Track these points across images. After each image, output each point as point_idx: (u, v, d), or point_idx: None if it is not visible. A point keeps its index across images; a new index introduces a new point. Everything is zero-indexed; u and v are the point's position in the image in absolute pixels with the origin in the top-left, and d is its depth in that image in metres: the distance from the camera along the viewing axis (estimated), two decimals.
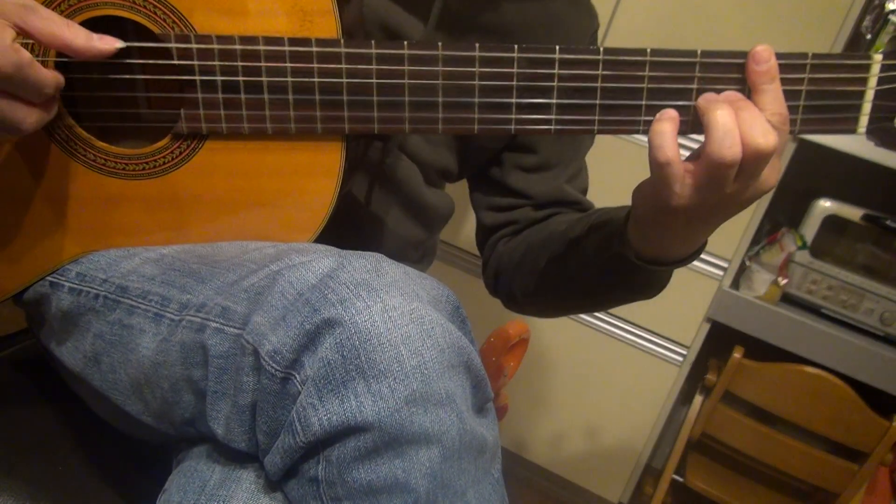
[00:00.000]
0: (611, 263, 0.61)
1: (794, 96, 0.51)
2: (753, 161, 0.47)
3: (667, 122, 0.49)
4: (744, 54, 0.50)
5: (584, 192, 0.78)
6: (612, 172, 1.32)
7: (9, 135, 0.47)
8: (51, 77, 0.46)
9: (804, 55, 0.51)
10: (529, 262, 0.72)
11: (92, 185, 0.55)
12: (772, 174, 0.51)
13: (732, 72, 0.51)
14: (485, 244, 0.80)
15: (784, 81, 0.51)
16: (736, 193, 0.49)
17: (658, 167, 0.49)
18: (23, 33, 0.45)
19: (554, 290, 0.71)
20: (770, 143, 0.47)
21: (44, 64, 0.48)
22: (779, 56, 0.50)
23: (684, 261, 0.58)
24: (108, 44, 0.48)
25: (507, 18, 0.68)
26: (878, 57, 0.51)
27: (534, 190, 0.74)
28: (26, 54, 0.44)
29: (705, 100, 0.50)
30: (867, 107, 0.52)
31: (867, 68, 0.51)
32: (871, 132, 0.53)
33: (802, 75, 0.51)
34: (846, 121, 0.52)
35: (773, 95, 0.49)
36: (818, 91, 0.51)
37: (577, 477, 1.57)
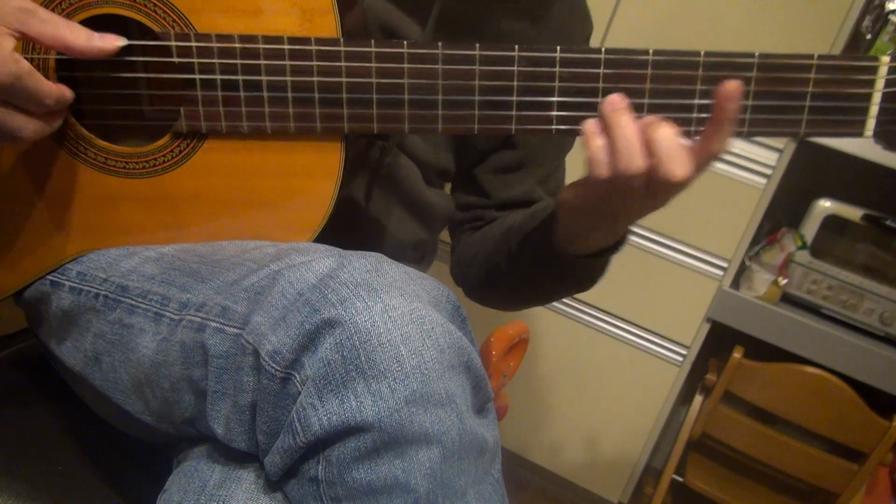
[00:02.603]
0: (542, 255, 0.62)
1: (799, 97, 0.51)
2: (668, 188, 0.48)
3: (598, 139, 0.49)
4: (749, 55, 0.50)
5: (557, 192, 0.79)
6: None
7: (6, 143, 0.46)
8: (53, 89, 0.45)
9: (810, 56, 0.50)
10: (482, 254, 0.73)
11: (92, 183, 0.55)
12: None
13: (736, 72, 0.50)
14: (453, 234, 0.82)
15: (789, 82, 0.50)
16: (653, 203, 0.51)
17: (598, 183, 0.49)
18: (23, 37, 0.45)
19: (501, 282, 0.72)
20: (686, 175, 0.48)
21: (44, 64, 0.47)
22: (784, 57, 0.50)
23: (607, 252, 0.60)
24: (110, 42, 0.48)
25: (504, 22, 0.67)
26: (885, 59, 0.50)
27: (502, 193, 0.75)
28: (25, 64, 0.44)
29: (611, 107, 0.49)
30: (874, 109, 0.51)
31: (874, 70, 0.50)
32: (879, 136, 0.52)
33: (808, 76, 0.50)
34: (852, 124, 0.52)
35: (726, 132, 0.48)
36: (823, 93, 0.51)
37: (577, 477, 1.56)
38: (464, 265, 0.77)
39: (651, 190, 0.49)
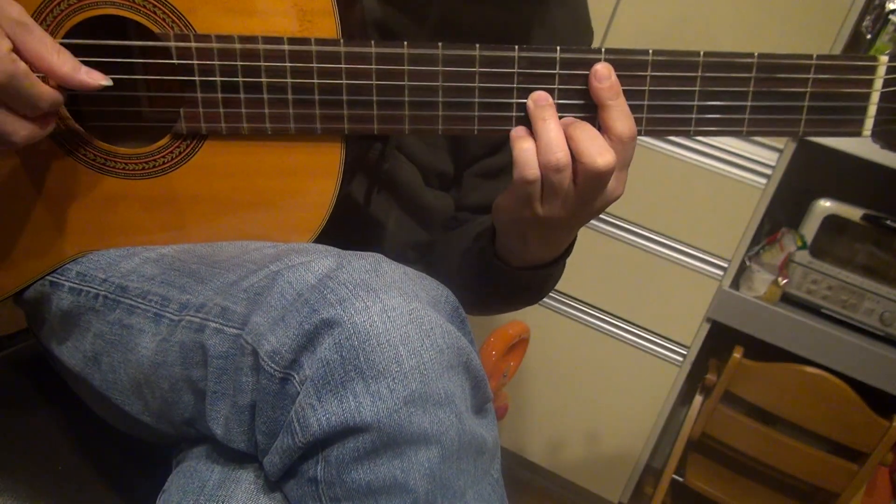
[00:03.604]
0: (486, 267, 0.63)
1: (798, 97, 0.51)
2: (595, 178, 0.49)
3: (528, 140, 0.51)
4: (748, 55, 0.50)
5: None
6: None
7: None
8: (47, 92, 0.45)
9: (808, 56, 0.50)
10: (442, 256, 0.74)
11: (92, 184, 0.55)
12: (618, 186, 0.52)
13: (735, 72, 0.51)
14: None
15: (788, 82, 0.51)
16: (584, 201, 0.51)
17: (525, 184, 0.51)
18: (12, 49, 0.45)
19: (454, 287, 0.73)
20: (608, 162, 0.49)
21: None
22: (783, 57, 0.50)
23: (551, 265, 0.61)
24: (95, 79, 0.47)
25: (504, 27, 0.67)
26: (884, 59, 0.50)
27: (475, 198, 0.75)
28: (22, 65, 0.43)
29: (535, 104, 0.51)
30: (872, 109, 0.51)
31: (873, 70, 0.51)
32: (877, 135, 0.52)
33: (807, 76, 0.51)
34: (851, 123, 0.52)
35: (619, 111, 0.50)
36: (822, 93, 0.51)
37: (577, 477, 1.57)
38: (432, 262, 0.78)
39: (579, 188, 0.50)
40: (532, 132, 0.51)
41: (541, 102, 0.51)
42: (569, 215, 0.52)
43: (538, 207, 0.52)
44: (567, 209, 0.52)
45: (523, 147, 0.50)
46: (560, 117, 0.51)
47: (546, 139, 0.50)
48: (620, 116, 0.50)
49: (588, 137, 0.49)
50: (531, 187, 0.51)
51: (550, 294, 1.48)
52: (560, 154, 0.49)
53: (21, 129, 0.45)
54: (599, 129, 0.51)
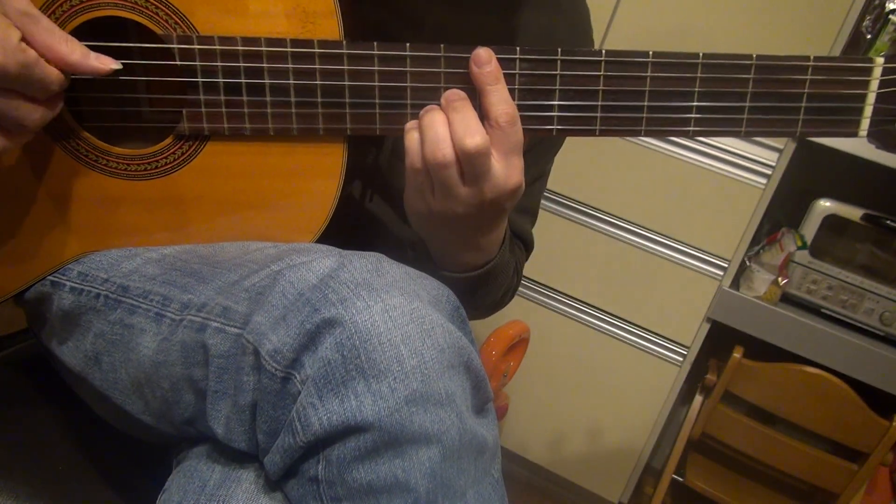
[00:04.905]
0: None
1: (796, 98, 0.51)
2: (467, 161, 0.49)
3: (414, 132, 0.52)
4: (747, 57, 0.51)
5: (529, 210, 0.78)
6: (612, 172, 1.32)
7: (13, 134, 0.47)
8: (55, 74, 0.46)
9: (806, 57, 0.51)
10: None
11: (94, 185, 0.55)
12: (512, 173, 0.52)
13: (734, 74, 0.51)
14: None
15: (786, 84, 0.51)
16: (476, 194, 0.51)
17: (413, 174, 0.52)
18: (21, 40, 0.45)
19: None
20: (476, 142, 0.49)
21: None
22: (781, 59, 0.51)
23: (484, 269, 0.61)
24: (105, 64, 0.48)
25: (500, 36, 0.67)
26: (879, 60, 0.51)
27: None
28: (32, 53, 0.44)
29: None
30: (868, 110, 0.52)
31: (869, 71, 0.51)
32: (873, 135, 0.53)
33: (804, 77, 0.51)
34: (847, 123, 0.52)
35: (498, 96, 0.50)
36: (820, 94, 0.52)
37: (577, 477, 1.57)
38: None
39: (468, 184, 0.51)
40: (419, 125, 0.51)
41: (451, 98, 0.51)
42: (466, 209, 0.52)
43: (431, 201, 0.53)
44: (460, 202, 0.52)
45: (414, 137, 0.51)
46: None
47: (430, 135, 0.50)
48: (498, 101, 0.50)
49: (460, 119, 0.50)
50: (419, 177, 0.51)
51: (551, 294, 1.49)
52: (445, 150, 0.50)
53: (34, 113, 0.46)
54: (481, 115, 0.51)
